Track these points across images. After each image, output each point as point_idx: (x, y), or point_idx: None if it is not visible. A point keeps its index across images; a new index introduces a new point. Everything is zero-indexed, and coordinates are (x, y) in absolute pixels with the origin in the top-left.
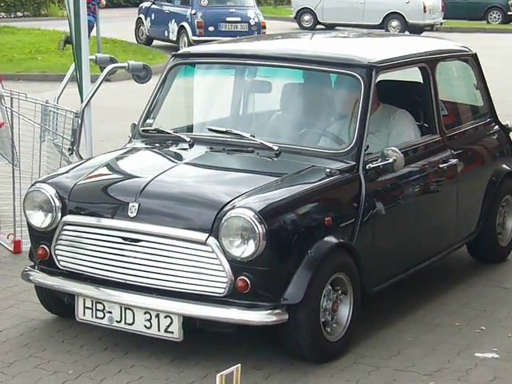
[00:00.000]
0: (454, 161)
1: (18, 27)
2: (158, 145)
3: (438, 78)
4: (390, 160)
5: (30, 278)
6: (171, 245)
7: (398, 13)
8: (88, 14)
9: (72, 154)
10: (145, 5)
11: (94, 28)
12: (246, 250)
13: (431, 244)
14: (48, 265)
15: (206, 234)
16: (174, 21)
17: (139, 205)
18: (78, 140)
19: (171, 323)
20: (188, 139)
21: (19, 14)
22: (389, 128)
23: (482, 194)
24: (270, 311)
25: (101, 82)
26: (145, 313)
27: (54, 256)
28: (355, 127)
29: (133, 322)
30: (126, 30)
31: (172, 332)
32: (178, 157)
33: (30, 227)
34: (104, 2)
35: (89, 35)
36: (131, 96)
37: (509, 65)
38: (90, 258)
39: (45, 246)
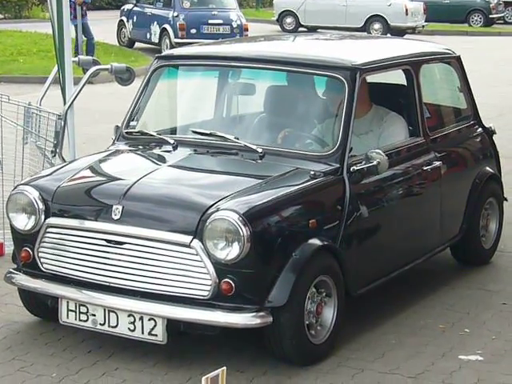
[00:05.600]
0: (437, 163)
1: None
2: (141, 147)
3: (422, 80)
4: (374, 162)
5: (13, 280)
6: (155, 247)
7: (379, 15)
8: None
9: (55, 156)
10: (127, 7)
11: (77, 29)
12: (230, 252)
13: (415, 246)
14: (31, 267)
15: (190, 237)
16: (156, 23)
17: (123, 207)
18: (61, 142)
19: (155, 326)
20: (172, 141)
21: (0, 16)
22: (380, 130)
23: (465, 197)
24: (254, 314)
25: (84, 84)
26: (128, 315)
27: (37, 259)
28: (339, 129)
29: (116, 325)
30: (108, 32)
31: (156, 335)
32: (162, 159)
33: (13, 230)
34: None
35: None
36: (114, 98)
37: (490, 67)
38: (73, 260)
39: (28, 249)
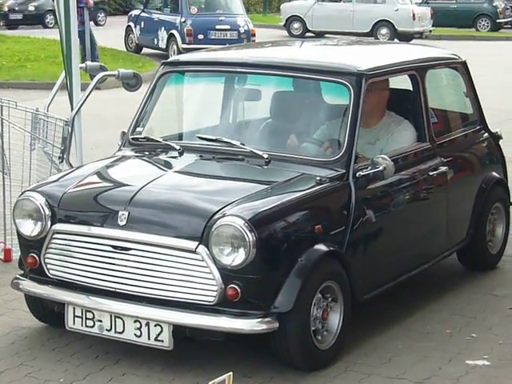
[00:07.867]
0: (443, 168)
1: (7, 35)
2: (147, 153)
3: (428, 85)
4: (380, 168)
5: (20, 286)
6: (161, 253)
7: (387, 20)
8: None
9: (62, 162)
10: (134, 13)
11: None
12: (236, 258)
13: (421, 252)
14: (38, 273)
15: (196, 243)
16: (163, 29)
17: (129, 213)
18: (68, 148)
19: (161, 332)
20: (178, 147)
21: None
22: (389, 136)
23: (471, 202)
24: (260, 319)
25: (91, 90)
26: (135, 321)
27: (43, 264)
28: (345, 135)
29: (123, 331)
30: (116, 37)
31: (162, 340)
32: (168, 165)
33: (20, 236)
34: (91, 2)
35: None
36: (121, 104)
37: (498, 72)
38: (79, 266)
39: (34, 255)
